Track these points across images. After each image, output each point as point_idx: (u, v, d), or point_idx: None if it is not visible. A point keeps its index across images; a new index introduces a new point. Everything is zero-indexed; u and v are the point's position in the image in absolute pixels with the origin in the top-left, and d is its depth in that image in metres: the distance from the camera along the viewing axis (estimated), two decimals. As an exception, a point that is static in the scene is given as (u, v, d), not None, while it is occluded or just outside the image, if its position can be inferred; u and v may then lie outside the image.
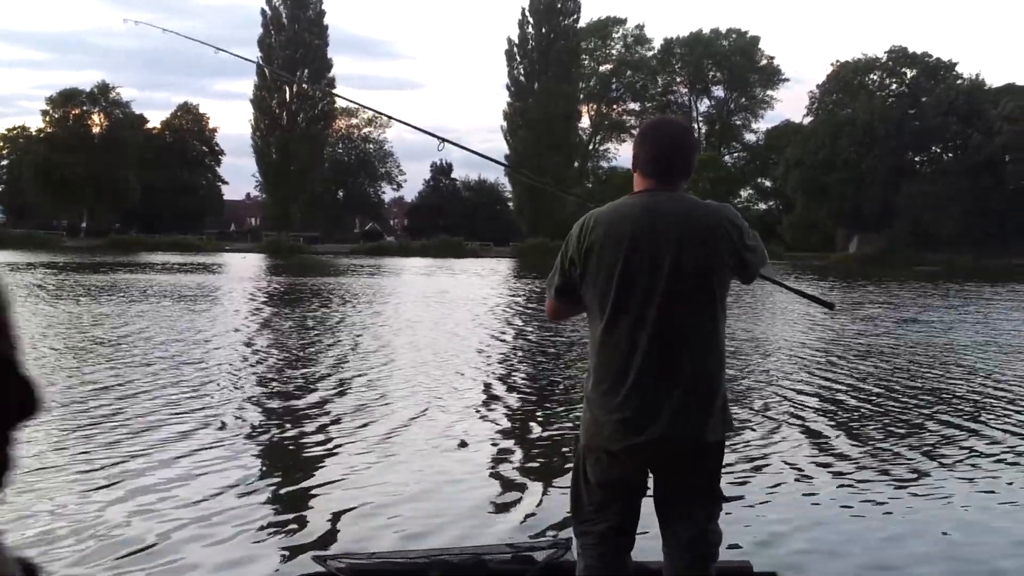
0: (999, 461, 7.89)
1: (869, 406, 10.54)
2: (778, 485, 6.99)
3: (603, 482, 3.52)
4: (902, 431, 9.10)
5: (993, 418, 9.84)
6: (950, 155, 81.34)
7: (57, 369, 11.92)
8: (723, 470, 3.65)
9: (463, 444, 8.24)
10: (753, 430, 8.91)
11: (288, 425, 8.98)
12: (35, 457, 7.27)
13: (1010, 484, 7.16)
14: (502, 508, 6.36)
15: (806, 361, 14.29)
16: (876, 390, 11.69)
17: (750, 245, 3.49)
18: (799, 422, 9.46)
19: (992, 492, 6.92)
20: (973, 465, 7.72)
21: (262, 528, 5.79)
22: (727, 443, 3.63)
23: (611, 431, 3.42)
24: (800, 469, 7.50)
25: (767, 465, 7.60)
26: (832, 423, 9.49)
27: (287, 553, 5.33)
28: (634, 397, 3.37)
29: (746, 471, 7.34)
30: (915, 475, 7.33)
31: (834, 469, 7.52)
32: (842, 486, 6.99)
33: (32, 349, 13.66)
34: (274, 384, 11.38)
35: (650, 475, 3.56)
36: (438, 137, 5.04)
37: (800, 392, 11.33)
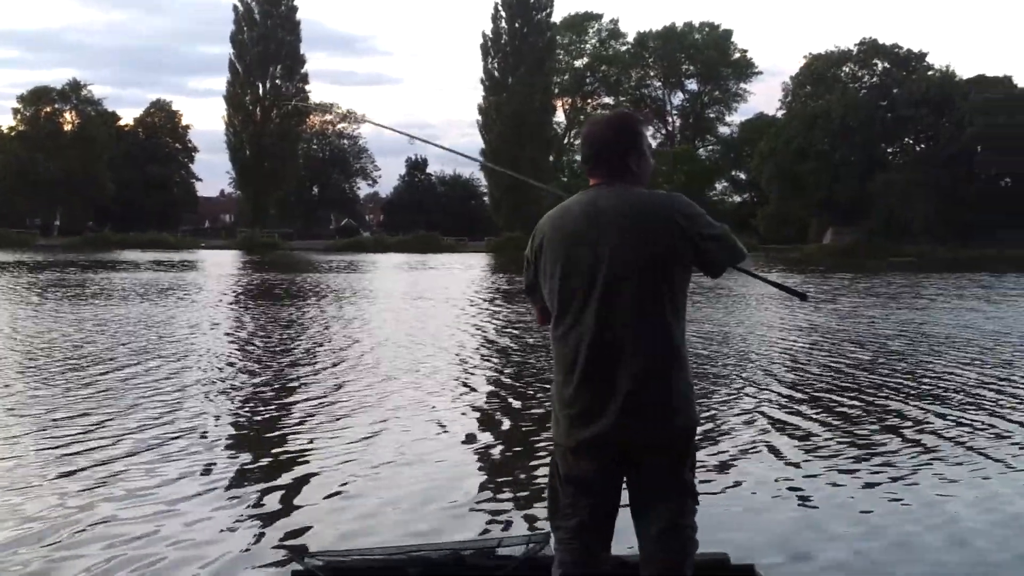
0: (977, 451, 7.93)
1: (848, 397, 10.56)
2: (756, 477, 7.01)
3: (570, 478, 3.53)
4: (883, 423, 9.12)
5: (978, 408, 9.90)
6: (922, 146, 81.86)
7: (42, 368, 11.87)
8: (694, 463, 3.64)
9: (443, 432, 8.30)
10: (731, 421, 8.96)
11: (266, 423, 8.96)
12: (13, 458, 7.28)
13: (986, 478, 7.16)
14: (481, 503, 6.33)
15: (783, 353, 14.36)
16: (855, 381, 11.73)
17: (708, 234, 3.43)
18: (777, 413, 9.49)
19: (977, 485, 6.90)
20: (955, 457, 7.74)
21: (239, 527, 5.74)
22: (699, 435, 3.63)
23: (565, 427, 3.46)
24: (779, 461, 7.51)
25: (745, 457, 7.62)
26: (811, 414, 9.51)
27: (265, 552, 5.30)
28: (581, 392, 3.40)
29: (724, 463, 7.37)
30: (895, 467, 7.32)
31: (813, 460, 7.52)
32: (821, 477, 6.99)
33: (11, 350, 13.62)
34: (252, 383, 11.32)
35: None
36: (408, 135, 5.05)
37: (778, 384, 11.39)
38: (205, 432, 8.38)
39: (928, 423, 9.02)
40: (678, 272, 3.44)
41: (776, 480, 6.92)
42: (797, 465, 7.36)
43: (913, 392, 10.90)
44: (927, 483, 6.89)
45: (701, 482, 6.57)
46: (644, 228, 3.39)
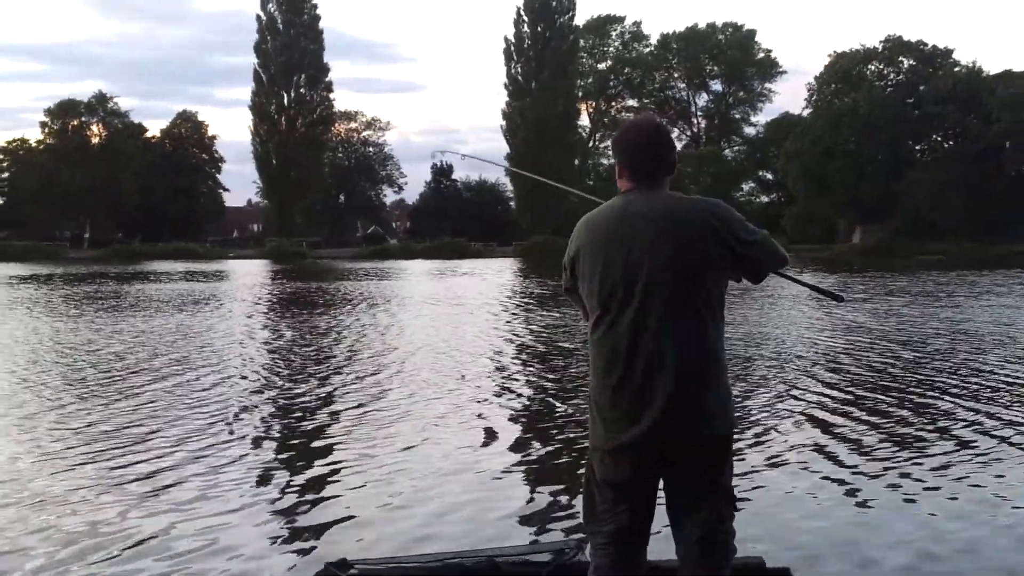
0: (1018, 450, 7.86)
1: (895, 397, 10.50)
2: (791, 479, 6.97)
3: (608, 481, 3.55)
4: (918, 424, 9.04)
5: (1008, 408, 9.77)
6: (950, 143, 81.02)
7: (67, 384, 11.97)
8: (732, 469, 3.64)
9: (488, 439, 8.38)
10: (766, 424, 8.91)
11: (301, 431, 9.02)
12: (66, 471, 7.35)
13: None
14: (515, 510, 6.32)
15: (811, 353, 14.27)
16: (901, 381, 11.67)
17: (746, 240, 3.47)
18: (825, 415, 9.47)
19: (1014, 484, 6.84)
20: (993, 456, 7.66)
21: (275, 535, 5.81)
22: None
23: (604, 430, 3.48)
24: (833, 464, 7.47)
25: (780, 459, 7.58)
26: (860, 415, 9.45)
27: (301, 560, 5.35)
28: (620, 396, 3.43)
29: (758, 466, 7.32)
30: (932, 469, 7.27)
31: (848, 463, 7.45)
32: (856, 480, 6.94)
33: (55, 363, 13.84)
34: (287, 391, 11.37)
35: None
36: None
37: (823, 384, 11.34)
38: (251, 441, 8.48)
39: (980, 423, 8.94)
40: (713, 276, 3.47)
41: (833, 483, 6.87)
42: (853, 468, 7.30)
43: (960, 391, 10.79)
44: (987, 484, 6.81)
45: (755, 488, 6.60)
46: (680, 233, 3.43)
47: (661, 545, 3.94)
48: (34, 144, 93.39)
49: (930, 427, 8.82)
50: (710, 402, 3.45)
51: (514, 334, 17.90)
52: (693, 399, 3.41)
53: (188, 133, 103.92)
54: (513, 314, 22.85)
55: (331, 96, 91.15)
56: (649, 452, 3.45)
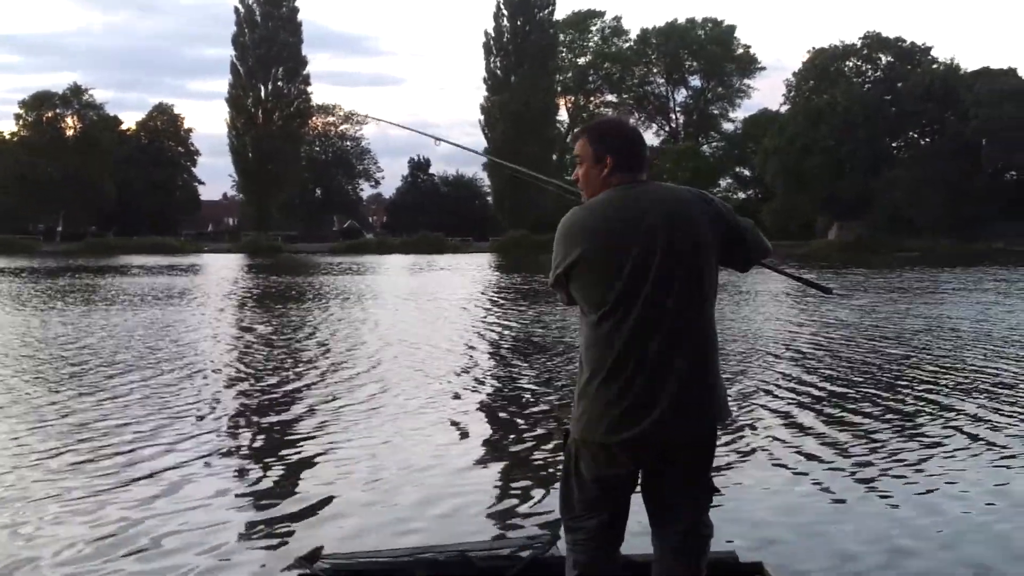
0: (992, 448, 7.79)
1: (857, 393, 10.48)
2: (764, 474, 6.97)
3: (597, 477, 3.45)
4: (890, 418, 9.02)
5: (988, 403, 9.74)
6: (927, 140, 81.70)
7: (42, 378, 11.82)
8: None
9: (460, 436, 8.32)
10: (739, 418, 8.85)
11: (272, 426, 8.99)
12: (16, 467, 7.24)
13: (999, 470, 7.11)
14: (488, 504, 6.34)
15: (794, 348, 14.26)
16: (896, 377, 11.66)
17: (738, 228, 3.46)
18: (785, 410, 9.45)
19: (986, 482, 6.78)
20: (965, 452, 7.63)
21: (246, 530, 5.81)
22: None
23: (607, 425, 3.35)
24: (787, 458, 7.46)
25: (753, 454, 7.58)
26: (819, 411, 9.45)
27: (271, 555, 5.34)
28: (630, 390, 3.31)
29: (732, 460, 7.31)
30: (903, 463, 7.25)
31: (820, 458, 7.46)
32: (828, 475, 6.95)
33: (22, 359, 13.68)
34: (259, 386, 11.31)
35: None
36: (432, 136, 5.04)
37: (820, 380, 11.32)
38: (229, 437, 8.47)
39: (984, 419, 8.91)
40: (714, 266, 3.44)
41: (854, 480, 6.84)
42: (868, 464, 7.27)
43: (956, 386, 10.79)
44: (1010, 481, 6.78)
45: (737, 484, 6.60)
46: (687, 224, 3.37)
47: (636, 540, 3.85)
48: (8, 136, 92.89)
49: (934, 422, 8.78)
50: (715, 397, 3.44)
51: (493, 329, 17.86)
52: (699, 396, 3.37)
53: (164, 126, 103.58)
54: (500, 308, 22.87)
55: (309, 89, 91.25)
56: (649, 450, 3.39)
